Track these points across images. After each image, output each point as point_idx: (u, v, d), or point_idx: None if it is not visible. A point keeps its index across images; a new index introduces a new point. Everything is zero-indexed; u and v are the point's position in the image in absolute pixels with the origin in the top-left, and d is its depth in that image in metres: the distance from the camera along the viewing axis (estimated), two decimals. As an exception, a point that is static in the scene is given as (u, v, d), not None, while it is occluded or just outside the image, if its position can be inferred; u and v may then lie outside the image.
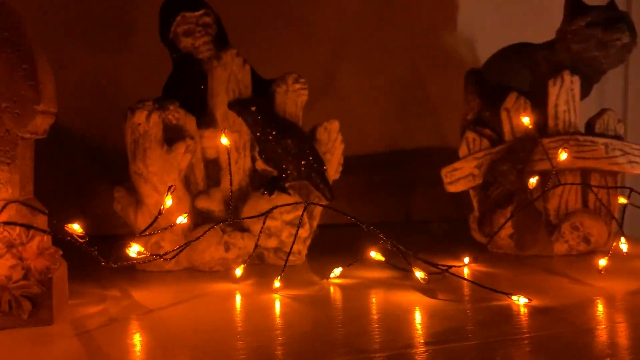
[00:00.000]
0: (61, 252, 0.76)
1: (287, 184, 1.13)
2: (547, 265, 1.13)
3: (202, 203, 1.10)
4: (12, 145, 0.75)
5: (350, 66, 1.75)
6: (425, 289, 0.92)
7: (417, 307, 0.85)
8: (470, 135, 1.26)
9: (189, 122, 1.09)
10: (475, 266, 1.08)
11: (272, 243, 1.11)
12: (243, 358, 0.63)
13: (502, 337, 0.70)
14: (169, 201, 0.79)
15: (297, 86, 1.16)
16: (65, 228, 0.72)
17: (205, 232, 0.92)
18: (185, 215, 0.83)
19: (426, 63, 1.87)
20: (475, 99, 1.29)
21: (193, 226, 1.09)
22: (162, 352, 0.66)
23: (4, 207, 0.70)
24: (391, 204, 1.74)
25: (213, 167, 1.13)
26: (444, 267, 0.96)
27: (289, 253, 0.99)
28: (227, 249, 1.06)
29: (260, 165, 1.15)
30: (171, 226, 0.87)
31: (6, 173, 0.75)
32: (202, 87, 1.14)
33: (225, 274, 1.06)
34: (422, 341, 0.69)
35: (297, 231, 1.01)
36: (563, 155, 1.02)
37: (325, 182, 1.16)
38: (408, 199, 1.79)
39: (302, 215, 0.99)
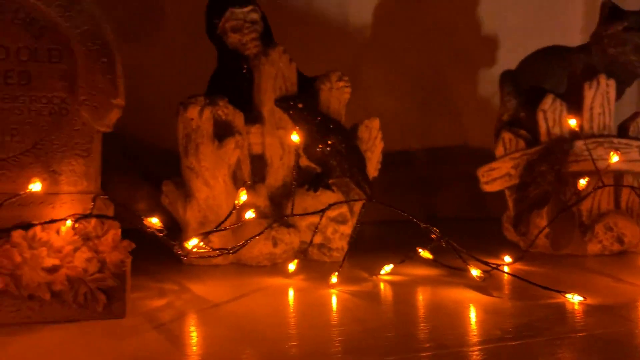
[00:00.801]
0: (134, 246, 0.76)
1: (330, 181, 1.14)
2: (585, 265, 1.15)
3: (249, 198, 1.11)
4: (89, 139, 0.75)
5: (374, 65, 1.76)
6: (475, 287, 0.93)
7: (470, 305, 0.86)
8: (506, 135, 1.27)
9: (238, 118, 1.10)
10: (517, 265, 1.09)
11: (317, 239, 1.12)
12: (302, 351, 0.64)
13: (559, 335, 0.71)
14: (243, 196, 0.80)
15: (341, 84, 1.17)
16: (145, 222, 0.72)
17: (263, 231, 0.93)
18: (253, 210, 0.84)
19: (447, 63, 1.89)
20: (511, 100, 1.31)
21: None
22: (233, 344, 0.67)
23: (94, 199, 0.70)
24: (414, 201, 1.75)
25: (258, 163, 1.14)
26: (493, 265, 0.97)
27: (347, 246, 1.00)
28: (274, 245, 1.07)
29: (304, 161, 1.16)
30: (241, 223, 0.87)
31: (82, 166, 0.75)
32: (248, 83, 1.14)
33: (271, 268, 1.07)
34: (478, 340, 0.70)
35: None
36: (615, 158, 1.04)
37: (366, 179, 1.17)
38: (431, 196, 1.81)
39: (361, 209, 1.00)
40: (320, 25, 1.67)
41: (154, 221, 0.73)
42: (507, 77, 1.34)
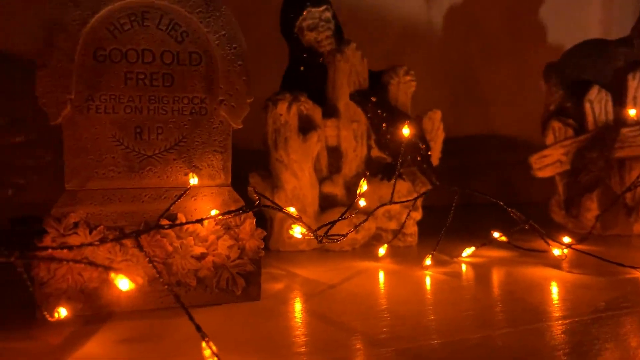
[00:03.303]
0: (265, 234, 0.82)
1: (401, 170, 1.21)
2: (634, 243, 1.24)
3: (328, 188, 1.18)
4: (225, 136, 0.81)
5: (409, 59, 1.83)
6: (553, 266, 1.02)
7: (555, 281, 0.94)
8: (556, 124, 1.36)
9: (316, 113, 1.16)
10: (578, 246, 1.17)
11: (392, 225, 1.19)
12: (408, 327, 0.72)
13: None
14: (365, 186, 0.86)
15: (408, 78, 1.24)
16: (284, 210, 0.79)
17: (363, 221, 0.99)
18: (364, 198, 0.90)
19: (476, 55, 1.97)
20: (557, 91, 1.39)
21: (320, 210, 1.16)
22: (367, 318, 0.74)
23: (258, 193, 0.76)
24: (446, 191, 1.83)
25: (334, 155, 1.20)
26: (567, 244, 1.06)
27: (443, 232, 1.06)
28: (357, 230, 1.14)
29: (375, 152, 1.22)
30: (358, 211, 0.93)
31: (220, 161, 0.81)
32: (322, 79, 1.20)
33: (353, 253, 1.14)
34: (577, 312, 0.77)
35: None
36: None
37: (432, 168, 1.25)
38: (465, 185, 1.89)
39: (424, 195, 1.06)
40: (363, 21, 1.73)
41: (292, 210, 0.79)
42: (552, 69, 1.42)
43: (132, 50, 0.76)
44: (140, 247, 0.67)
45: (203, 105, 0.79)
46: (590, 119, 1.35)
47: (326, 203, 1.17)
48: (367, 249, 1.16)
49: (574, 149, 1.34)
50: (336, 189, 1.18)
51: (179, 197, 0.75)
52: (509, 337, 0.68)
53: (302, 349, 0.64)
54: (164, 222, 0.73)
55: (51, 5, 0.72)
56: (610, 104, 1.34)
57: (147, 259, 0.66)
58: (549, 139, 1.36)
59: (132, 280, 0.58)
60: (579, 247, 1.05)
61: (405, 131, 0.96)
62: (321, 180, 1.18)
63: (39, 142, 1.40)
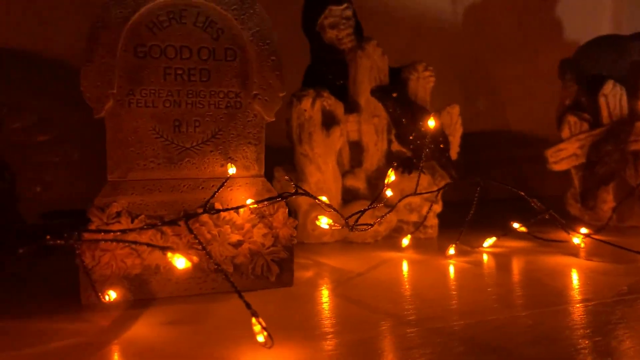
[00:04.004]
0: (297, 223, 0.86)
1: (421, 164, 1.24)
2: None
3: (350, 181, 1.21)
4: (259, 129, 0.84)
5: (422, 55, 1.86)
6: (573, 254, 1.04)
7: (574, 269, 0.97)
8: (572, 118, 1.38)
9: (339, 108, 1.19)
10: (597, 235, 1.20)
11: (413, 217, 1.22)
12: (433, 310, 0.75)
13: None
14: (392, 176, 0.89)
15: (427, 73, 1.27)
16: (317, 199, 0.82)
17: (389, 211, 1.02)
18: (390, 189, 0.93)
19: (490, 53, 1.99)
20: (573, 86, 1.42)
21: (343, 202, 1.19)
22: (394, 303, 0.77)
23: (296, 185, 0.79)
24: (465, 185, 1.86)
25: (355, 149, 1.24)
26: (585, 234, 1.09)
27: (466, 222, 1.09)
28: (380, 222, 1.17)
29: (395, 146, 1.25)
30: (384, 200, 0.96)
31: (254, 153, 0.84)
32: (344, 75, 1.23)
33: (375, 245, 1.17)
34: (601, 294, 0.81)
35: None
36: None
37: (451, 161, 1.28)
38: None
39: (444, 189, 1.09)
40: (376, 16, 1.76)
41: (324, 199, 0.83)
42: (567, 65, 1.45)
43: (170, 46, 0.79)
44: (190, 230, 0.71)
45: (238, 99, 0.83)
46: (605, 113, 1.37)
47: (349, 196, 1.20)
48: (388, 241, 1.20)
49: (589, 142, 1.37)
50: (358, 182, 1.21)
51: (222, 186, 0.78)
52: (534, 318, 0.71)
53: (334, 329, 0.68)
54: (218, 206, 0.77)
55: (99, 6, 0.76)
56: (624, 98, 1.37)
57: (197, 241, 0.70)
58: (565, 132, 1.39)
59: (188, 259, 0.61)
60: (597, 236, 1.07)
61: (431, 123, 0.99)
62: (343, 174, 1.21)
63: (66, 140, 1.44)
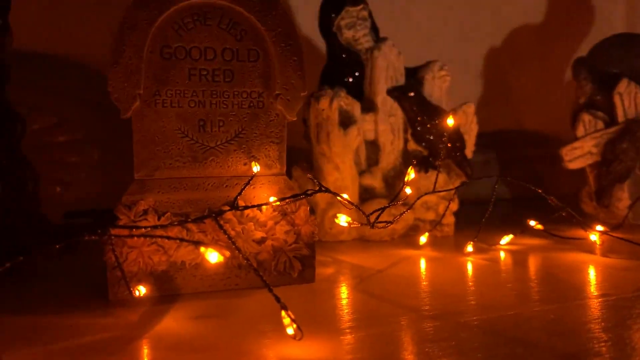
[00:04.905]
0: (318, 220, 0.87)
1: (437, 163, 1.25)
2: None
3: (367, 180, 1.22)
4: (281, 128, 0.86)
5: (439, 56, 1.87)
6: (590, 251, 1.05)
7: (592, 265, 0.98)
8: (586, 117, 1.39)
9: (355, 108, 1.20)
10: (614, 232, 1.21)
11: (430, 216, 1.23)
12: (452, 304, 0.76)
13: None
14: (412, 174, 0.91)
15: (443, 73, 1.28)
16: (339, 196, 0.83)
17: (408, 208, 1.03)
18: (409, 187, 0.95)
19: (505, 53, 2.00)
20: (587, 85, 1.42)
21: (360, 201, 1.21)
22: (408, 298, 0.78)
23: (318, 183, 0.81)
24: (482, 183, 1.87)
25: (372, 148, 1.25)
26: (602, 231, 1.09)
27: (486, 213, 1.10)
28: (396, 221, 1.18)
29: (411, 145, 1.26)
30: (407, 197, 0.97)
31: (276, 151, 0.86)
32: (360, 75, 1.25)
33: (392, 243, 1.18)
34: (610, 292, 0.82)
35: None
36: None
37: (467, 160, 1.29)
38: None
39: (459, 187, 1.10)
40: (392, 19, 1.77)
41: (345, 196, 0.84)
42: (581, 63, 1.46)
43: (195, 47, 0.81)
44: (220, 226, 0.73)
45: (261, 99, 0.84)
46: (620, 111, 1.38)
47: (365, 195, 1.22)
48: (405, 239, 1.21)
49: (604, 140, 1.37)
50: (375, 182, 1.22)
51: (248, 183, 0.80)
52: (555, 312, 0.72)
53: (355, 323, 0.69)
54: (242, 204, 0.79)
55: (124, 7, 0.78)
56: (639, 96, 1.37)
57: (226, 236, 0.72)
58: (579, 131, 1.39)
59: (221, 253, 0.63)
60: (615, 234, 1.08)
61: (450, 121, 1.00)
62: (360, 173, 1.22)
63: (86, 140, 1.46)
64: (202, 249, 0.62)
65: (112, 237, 0.67)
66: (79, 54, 1.42)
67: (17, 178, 1.02)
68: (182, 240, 0.68)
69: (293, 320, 0.57)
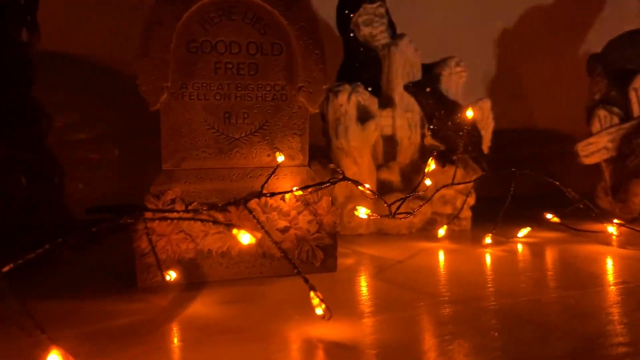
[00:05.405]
0: (339, 211, 0.89)
1: (454, 157, 1.26)
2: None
3: (384, 174, 1.24)
4: (303, 120, 0.88)
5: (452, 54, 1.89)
6: (606, 243, 1.06)
7: (609, 256, 0.99)
8: (601, 112, 1.40)
9: (373, 103, 1.22)
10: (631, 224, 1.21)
11: (447, 210, 1.25)
12: (471, 291, 0.77)
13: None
14: (432, 165, 0.93)
15: (459, 69, 1.29)
16: (362, 185, 0.85)
17: (426, 201, 1.05)
18: (429, 178, 0.96)
19: (517, 52, 2.01)
20: (602, 81, 1.43)
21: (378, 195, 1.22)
22: (427, 286, 0.80)
23: (342, 174, 0.83)
24: (495, 180, 1.87)
25: (389, 143, 1.27)
26: (619, 223, 1.10)
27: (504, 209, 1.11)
28: (414, 214, 1.20)
29: (428, 140, 1.28)
30: (427, 188, 0.98)
31: (298, 143, 0.88)
32: (377, 71, 1.26)
33: (410, 236, 1.20)
34: (628, 280, 0.83)
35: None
36: None
37: (483, 155, 1.30)
38: (509, 176, 1.93)
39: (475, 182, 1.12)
40: (404, 20, 1.79)
41: (367, 186, 0.86)
42: (596, 60, 1.47)
43: (221, 41, 0.83)
44: (250, 211, 0.75)
45: (284, 92, 0.86)
46: (635, 106, 1.39)
47: (383, 189, 1.23)
48: (422, 233, 1.22)
49: (619, 135, 1.38)
50: (392, 176, 1.24)
51: (273, 172, 0.82)
52: (573, 298, 0.74)
53: (376, 308, 0.71)
54: (266, 192, 0.81)
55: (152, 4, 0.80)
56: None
57: (256, 220, 0.74)
58: (595, 127, 1.40)
59: (253, 235, 0.65)
60: (633, 226, 1.09)
61: (470, 113, 1.02)
62: (378, 167, 1.24)
63: (107, 137, 1.49)
64: (235, 230, 0.64)
65: (146, 222, 0.69)
66: (101, 54, 1.45)
67: (43, 172, 1.05)
68: (214, 222, 0.70)
69: (322, 301, 0.59)
